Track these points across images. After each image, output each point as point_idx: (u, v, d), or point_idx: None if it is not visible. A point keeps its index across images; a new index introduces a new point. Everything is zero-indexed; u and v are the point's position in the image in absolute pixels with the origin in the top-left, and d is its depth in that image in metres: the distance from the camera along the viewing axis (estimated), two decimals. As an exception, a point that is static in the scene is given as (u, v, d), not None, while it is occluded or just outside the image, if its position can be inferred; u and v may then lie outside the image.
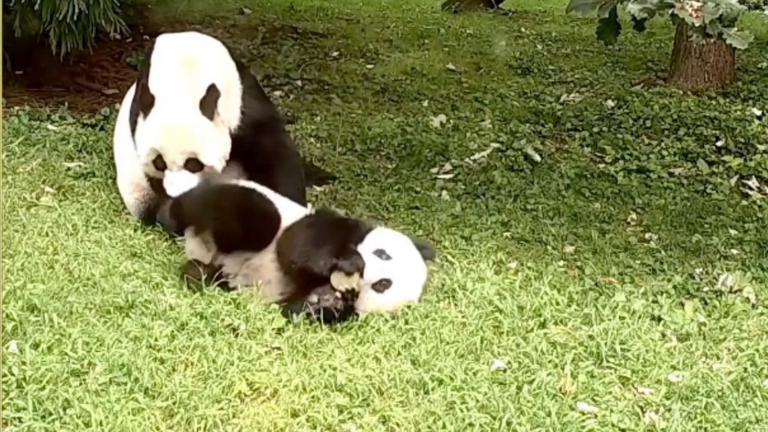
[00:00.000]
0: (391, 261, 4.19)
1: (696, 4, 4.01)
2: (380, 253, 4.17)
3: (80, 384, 3.51)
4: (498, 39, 9.85)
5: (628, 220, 5.64)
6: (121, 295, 4.10)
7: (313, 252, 4.07)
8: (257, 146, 4.85)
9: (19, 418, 3.32)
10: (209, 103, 4.59)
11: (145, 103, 4.59)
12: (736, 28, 4.15)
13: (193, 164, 4.60)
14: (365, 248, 4.16)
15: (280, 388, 3.63)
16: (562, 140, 6.94)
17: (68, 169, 5.43)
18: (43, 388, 3.45)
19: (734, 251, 5.22)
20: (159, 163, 4.62)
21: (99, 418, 3.34)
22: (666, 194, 6.03)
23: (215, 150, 4.63)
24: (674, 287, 4.70)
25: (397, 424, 3.52)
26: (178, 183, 4.59)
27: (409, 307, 4.21)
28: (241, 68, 4.98)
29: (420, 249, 4.34)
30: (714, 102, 7.78)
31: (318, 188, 5.65)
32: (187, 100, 4.58)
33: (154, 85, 4.63)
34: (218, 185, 4.54)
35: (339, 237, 4.15)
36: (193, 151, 4.58)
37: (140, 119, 4.65)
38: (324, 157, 6.16)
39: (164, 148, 4.58)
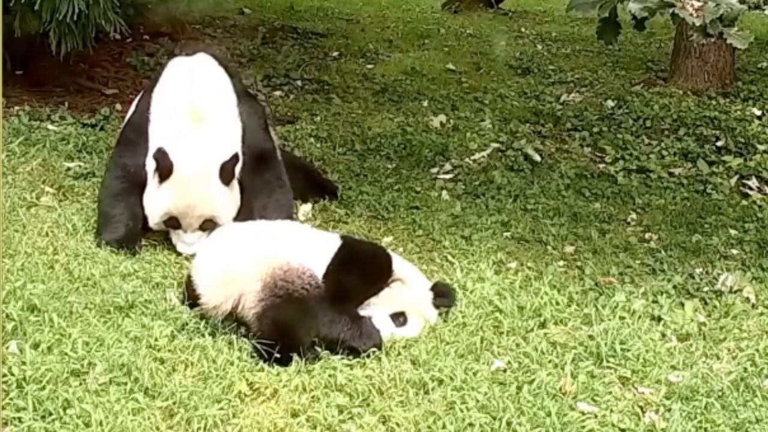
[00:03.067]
0: (407, 324, 4.11)
1: (696, 4, 4.01)
2: (396, 317, 4.09)
3: (80, 384, 3.51)
4: (498, 39, 9.84)
5: (628, 220, 5.63)
6: (121, 295, 4.10)
7: (328, 326, 3.95)
8: (252, 182, 4.81)
9: (19, 418, 3.32)
10: (229, 170, 4.60)
11: (163, 170, 4.54)
12: (736, 28, 4.14)
13: (209, 224, 4.62)
14: (383, 306, 4.09)
15: (280, 388, 3.63)
16: (562, 140, 6.94)
17: (68, 169, 5.43)
18: (43, 388, 3.45)
19: (734, 251, 5.22)
20: (172, 222, 4.63)
21: (99, 418, 3.34)
22: (666, 194, 6.03)
23: (231, 212, 4.67)
24: (674, 287, 4.70)
25: (397, 424, 3.52)
26: (192, 243, 4.63)
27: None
28: (244, 96, 4.95)
29: (439, 296, 4.23)
30: (714, 102, 7.78)
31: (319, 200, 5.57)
32: (207, 168, 4.57)
33: (166, 143, 4.58)
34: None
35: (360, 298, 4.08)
36: (211, 216, 4.61)
37: (154, 181, 4.60)
38: (324, 157, 6.16)
39: (182, 214, 4.59)
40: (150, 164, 4.63)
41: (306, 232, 4.33)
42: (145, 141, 4.71)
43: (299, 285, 3.89)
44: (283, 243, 4.06)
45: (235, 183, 4.69)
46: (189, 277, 4.12)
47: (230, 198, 4.67)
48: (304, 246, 4.08)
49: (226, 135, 4.71)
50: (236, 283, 3.93)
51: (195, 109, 4.67)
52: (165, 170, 4.55)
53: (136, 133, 4.80)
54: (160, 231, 4.79)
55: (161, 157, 4.54)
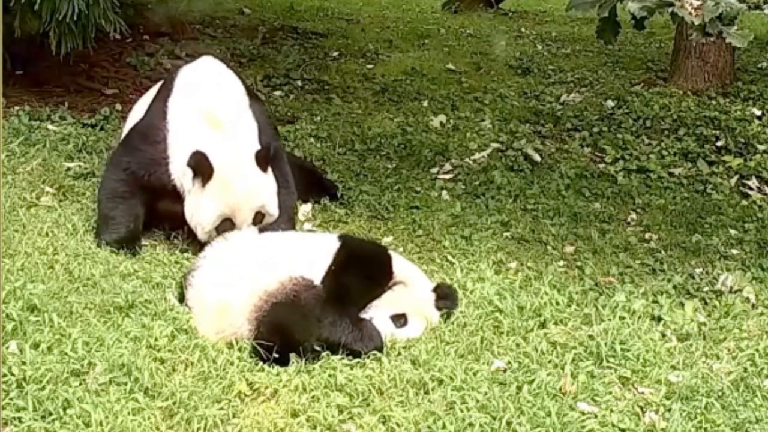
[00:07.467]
0: (409, 326, 4.11)
1: (696, 3, 4.01)
2: (397, 319, 4.08)
3: (80, 384, 3.51)
4: (498, 39, 9.84)
5: (628, 220, 5.64)
6: (121, 295, 4.10)
7: (329, 328, 3.94)
8: None
9: (19, 418, 3.32)
10: (264, 157, 4.61)
11: (204, 172, 4.48)
12: (735, 27, 4.14)
13: (260, 217, 4.61)
14: (385, 308, 4.08)
15: (280, 388, 3.63)
16: (562, 140, 6.94)
17: (68, 169, 5.43)
18: (43, 388, 3.45)
19: (734, 251, 5.22)
20: (225, 225, 4.54)
21: (99, 418, 3.34)
22: (666, 194, 6.03)
23: (276, 200, 4.67)
24: (674, 287, 4.70)
25: (397, 424, 3.52)
26: None
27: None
28: (252, 96, 4.96)
29: (441, 298, 4.22)
30: (714, 102, 7.78)
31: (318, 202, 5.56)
32: (243, 160, 4.57)
33: (193, 149, 4.52)
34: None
35: (360, 301, 4.08)
36: (262, 206, 4.60)
37: (195, 188, 4.53)
38: (324, 157, 6.16)
39: (235, 210, 4.54)
40: (184, 174, 4.55)
41: (302, 240, 4.33)
42: (155, 150, 4.66)
43: (287, 295, 3.90)
44: (272, 266, 4.04)
45: (271, 172, 4.69)
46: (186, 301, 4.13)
47: (273, 186, 4.68)
48: (299, 257, 4.07)
49: (246, 135, 4.70)
50: (225, 324, 3.93)
51: (213, 115, 4.64)
52: (206, 171, 4.49)
53: (143, 141, 4.74)
54: (160, 231, 4.80)
55: (198, 159, 4.48)
